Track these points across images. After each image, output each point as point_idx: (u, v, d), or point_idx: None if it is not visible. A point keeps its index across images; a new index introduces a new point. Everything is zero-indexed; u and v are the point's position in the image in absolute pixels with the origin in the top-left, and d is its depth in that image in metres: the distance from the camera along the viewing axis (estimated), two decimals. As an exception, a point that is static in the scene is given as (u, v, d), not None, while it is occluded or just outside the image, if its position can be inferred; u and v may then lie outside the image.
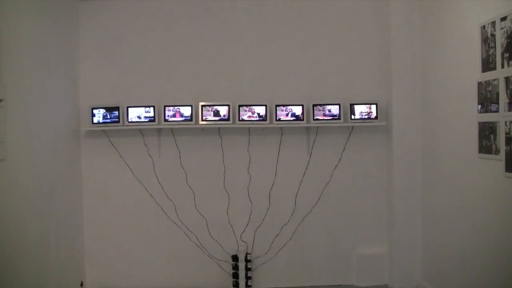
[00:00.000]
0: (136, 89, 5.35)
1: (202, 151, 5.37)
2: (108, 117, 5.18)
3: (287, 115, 5.17)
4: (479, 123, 3.78)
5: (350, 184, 5.39)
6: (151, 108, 5.17)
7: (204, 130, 5.32)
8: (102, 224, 5.40)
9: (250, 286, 5.29)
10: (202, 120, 5.17)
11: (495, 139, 3.56)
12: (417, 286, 5.17)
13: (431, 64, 4.84)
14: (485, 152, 3.71)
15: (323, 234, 5.42)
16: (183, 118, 5.17)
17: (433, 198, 4.85)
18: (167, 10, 5.36)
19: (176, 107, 5.17)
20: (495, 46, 3.54)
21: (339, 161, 5.36)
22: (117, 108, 5.18)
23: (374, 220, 5.41)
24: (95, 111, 5.18)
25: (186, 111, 5.17)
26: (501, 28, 3.45)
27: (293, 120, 5.16)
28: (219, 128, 5.30)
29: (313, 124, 5.18)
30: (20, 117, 3.87)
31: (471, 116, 3.91)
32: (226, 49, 5.36)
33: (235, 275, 5.28)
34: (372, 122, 5.18)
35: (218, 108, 5.18)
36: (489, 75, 3.62)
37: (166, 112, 5.17)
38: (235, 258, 5.30)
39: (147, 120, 5.18)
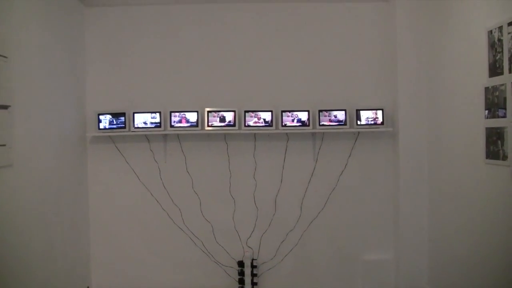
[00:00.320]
0: (142, 95, 5.37)
1: (208, 157, 5.37)
2: (114, 123, 5.19)
3: (293, 120, 5.16)
4: (486, 128, 3.76)
5: (356, 189, 5.37)
6: (157, 114, 5.18)
7: (210, 136, 5.33)
8: (108, 229, 5.41)
9: (256, 292, 5.28)
10: (208, 126, 5.17)
11: (502, 144, 3.54)
12: (423, 292, 5.15)
13: (437, 69, 4.82)
14: (492, 158, 3.69)
15: (329, 240, 5.41)
16: (189, 124, 5.18)
17: (440, 204, 4.82)
18: (172, 16, 5.38)
19: (182, 113, 5.18)
20: (502, 51, 3.52)
21: (345, 167, 5.35)
22: (123, 114, 5.19)
23: (380, 226, 5.38)
24: (101, 117, 5.19)
25: (192, 117, 5.18)
26: (508, 33, 3.43)
27: (299, 125, 5.16)
28: (225, 134, 5.30)
29: (319, 129, 5.17)
30: (27, 123, 3.88)
31: (478, 121, 3.89)
32: (232, 55, 5.38)
33: (241, 281, 5.27)
34: (378, 127, 5.17)
35: (224, 114, 5.18)
36: (496, 80, 3.60)
37: (172, 118, 5.18)
38: (241, 264, 5.29)
39: (153, 126, 5.18)
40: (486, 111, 3.76)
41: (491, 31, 3.67)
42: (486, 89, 3.75)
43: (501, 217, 3.61)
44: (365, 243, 5.39)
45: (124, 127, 5.18)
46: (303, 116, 5.16)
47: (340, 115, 5.16)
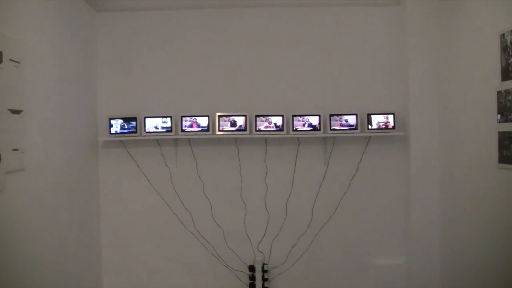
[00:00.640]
0: (153, 99, 5.39)
1: (219, 161, 5.38)
2: (126, 127, 5.22)
3: (304, 125, 5.16)
4: (499, 132, 3.73)
5: (368, 194, 5.35)
6: (168, 119, 5.20)
7: (221, 140, 5.34)
8: (119, 233, 5.43)
9: (267, 297, 5.28)
10: (219, 130, 5.19)
11: (515, 148, 3.52)
12: (435, 298, 5.11)
13: (449, 73, 4.80)
14: (505, 162, 3.66)
15: (340, 245, 5.39)
16: (200, 129, 5.19)
17: (452, 209, 4.78)
18: (183, 21, 5.41)
19: (193, 118, 5.20)
20: (514, 55, 3.51)
21: (356, 171, 5.33)
22: (134, 119, 5.22)
23: (391, 231, 5.35)
24: (112, 122, 5.22)
25: (203, 121, 5.19)
26: (521, 37, 3.42)
27: (310, 130, 5.15)
28: (236, 138, 5.31)
29: (330, 134, 5.16)
30: (39, 128, 3.91)
31: (490, 125, 3.86)
32: (243, 59, 5.38)
33: (252, 286, 5.26)
34: (389, 132, 5.15)
35: (235, 118, 5.19)
36: (509, 84, 3.57)
37: (183, 122, 5.19)
38: (252, 268, 5.29)
39: (164, 130, 5.20)
40: (499, 115, 3.74)
41: (503, 35, 3.65)
42: (499, 93, 3.72)
43: (514, 222, 3.59)
44: (376, 247, 5.36)
45: (135, 132, 5.21)
46: (314, 120, 5.15)
47: (351, 119, 5.15)
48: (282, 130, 5.16)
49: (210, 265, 5.41)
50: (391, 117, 5.15)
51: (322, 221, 5.36)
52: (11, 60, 3.38)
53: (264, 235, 5.38)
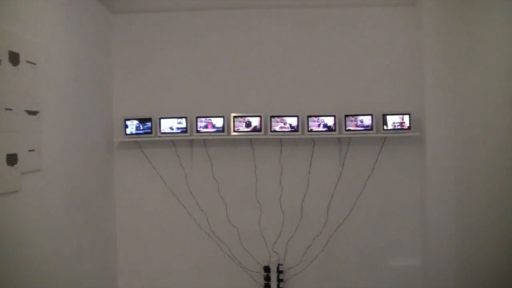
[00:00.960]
0: (168, 100, 5.40)
1: (234, 162, 5.38)
2: (141, 128, 5.23)
3: (319, 126, 5.15)
4: (518, 133, 3.72)
5: (383, 195, 5.33)
6: (183, 119, 5.21)
7: (236, 141, 5.35)
8: (135, 234, 5.45)
9: (282, 297, 5.28)
10: (234, 131, 5.19)
11: (535, 150, 3.50)
12: (451, 300, 5.09)
13: (465, 73, 4.76)
14: (524, 164, 3.65)
15: (356, 246, 5.38)
16: (215, 129, 5.20)
17: (468, 211, 4.75)
18: (197, 22, 5.41)
19: (208, 118, 5.20)
20: (535, 56, 3.48)
21: (371, 172, 5.32)
22: (149, 120, 5.23)
23: (407, 232, 5.33)
24: (128, 122, 5.24)
25: (218, 122, 5.20)
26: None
27: (325, 131, 5.14)
28: (251, 139, 5.31)
29: (345, 135, 5.15)
30: (56, 129, 3.93)
31: (508, 126, 3.84)
32: (258, 60, 5.38)
33: (267, 286, 5.27)
34: (405, 132, 5.13)
35: (250, 119, 5.19)
36: (529, 85, 3.56)
37: (198, 123, 5.20)
38: (267, 269, 5.29)
39: (179, 131, 5.21)
40: (518, 117, 3.72)
41: (523, 36, 3.63)
42: (518, 94, 3.71)
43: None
44: (392, 248, 5.35)
45: (151, 132, 5.22)
46: (329, 121, 5.14)
47: (367, 120, 5.13)
48: (297, 131, 5.16)
49: (225, 266, 5.42)
50: (406, 117, 5.13)
51: (337, 222, 5.35)
52: (27, 61, 3.40)
53: (279, 235, 5.38)
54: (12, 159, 3.17)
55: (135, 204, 5.44)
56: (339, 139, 5.31)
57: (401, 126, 5.13)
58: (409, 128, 5.12)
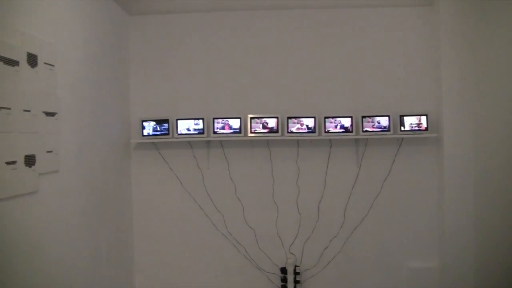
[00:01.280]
0: (185, 101, 5.42)
1: (251, 163, 5.39)
2: (158, 129, 5.24)
3: (336, 127, 5.14)
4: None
5: (401, 196, 5.31)
6: (200, 121, 5.22)
7: (253, 142, 5.35)
8: (152, 235, 5.46)
9: (299, 299, 5.26)
10: (251, 132, 5.19)
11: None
12: (470, 302, 5.05)
13: (484, 74, 4.74)
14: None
15: (373, 247, 5.36)
16: (232, 131, 5.20)
17: (486, 212, 4.72)
18: (214, 23, 5.42)
19: (225, 120, 5.21)
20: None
21: (389, 173, 5.30)
22: (166, 121, 5.24)
23: (425, 233, 5.30)
24: (145, 124, 5.25)
25: (235, 123, 5.20)
26: None
27: (342, 132, 5.13)
28: (268, 140, 5.31)
29: (362, 136, 5.13)
30: (73, 130, 3.95)
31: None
32: (274, 61, 5.38)
33: (284, 288, 5.27)
34: (422, 133, 5.11)
35: (267, 120, 5.19)
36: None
37: (215, 124, 5.20)
38: (283, 270, 5.28)
39: (196, 132, 5.22)
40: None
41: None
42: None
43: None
44: (409, 250, 5.32)
45: (168, 134, 5.23)
46: (346, 122, 5.13)
47: (384, 121, 5.12)
48: (314, 132, 5.15)
49: (242, 267, 5.41)
50: (424, 118, 5.11)
51: (354, 223, 5.33)
52: (45, 63, 3.41)
53: (296, 237, 5.37)
54: (30, 160, 3.18)
55: (152, 205, 5.46)
56: (356, 140, 5.30)
57: (418, 127, 5.11)
58: (426, 129, 5.10)
